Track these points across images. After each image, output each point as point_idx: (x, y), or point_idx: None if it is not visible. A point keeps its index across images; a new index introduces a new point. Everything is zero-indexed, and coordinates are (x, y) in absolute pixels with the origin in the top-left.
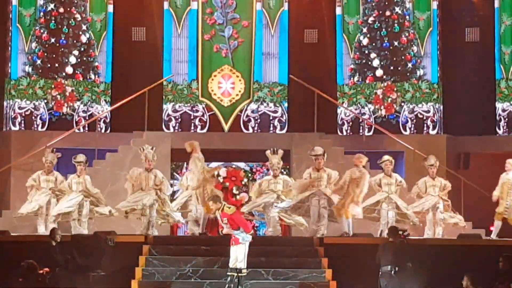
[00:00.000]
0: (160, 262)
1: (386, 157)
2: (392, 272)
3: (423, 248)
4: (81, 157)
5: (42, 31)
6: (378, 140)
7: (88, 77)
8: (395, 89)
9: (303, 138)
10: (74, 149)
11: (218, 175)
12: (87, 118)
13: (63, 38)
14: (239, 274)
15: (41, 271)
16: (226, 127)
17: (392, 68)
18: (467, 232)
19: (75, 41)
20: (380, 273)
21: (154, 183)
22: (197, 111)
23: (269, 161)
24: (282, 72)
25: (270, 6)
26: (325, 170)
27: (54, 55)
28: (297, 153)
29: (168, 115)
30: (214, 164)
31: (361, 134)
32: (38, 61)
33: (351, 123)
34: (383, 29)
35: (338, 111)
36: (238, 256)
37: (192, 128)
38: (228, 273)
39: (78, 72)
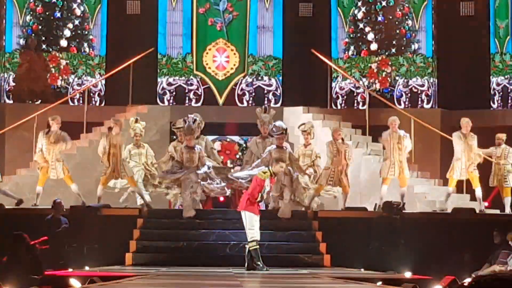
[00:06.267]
0: (155, 235)
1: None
2: (383, 247)
3: (417, 222)
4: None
5: (36, 4)
6: (374, 114)
7: (82, 50)
8: (389, 63)
9: (297, 112)
10: (68, 122)
11: None
12: (81, 91)
13: (57, 11)
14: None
15: (33, 242)
16: (220, 101)
17: (386, 42)
18: (461, 206)
19: (69, 14)
20: (371, 247)
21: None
22: (191, 84)
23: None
24: (276, 45)
25: None
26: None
27: (48, 28)
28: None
29: (163, 88)
30: (209, 138)
31: (355, 108)
32: (33, 34)
33: (345, 97)
34: (378, 3)
35: (333, 84)
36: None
37: (187, 101)
38: (255, 246)
39: (73, 45)
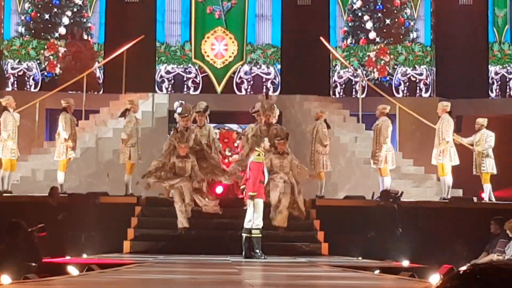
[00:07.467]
0: (152, 224)
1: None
2: (380, 235)
3: (415, 211)
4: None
5: None
6: (371, 103)
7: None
8: (388, 51)
9: (293, 100)
10: None
11: None
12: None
13: None
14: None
15: (30, 229)
16: (219, 89)
17: (385, 30)
18: (458, 195)
19: (68, 2)
20: (369, 236)
21: None
22: (190, 72)
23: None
24: (275, 34)
25: None
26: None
27: (47, 16)
28: (285, 115)
29: (161, 76)
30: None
31: (354, 96)
32: (31, 22)
33: (344, 85)
34: None
35: (331, 73)
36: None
37: (185, 89)
38: (259, 235)
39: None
